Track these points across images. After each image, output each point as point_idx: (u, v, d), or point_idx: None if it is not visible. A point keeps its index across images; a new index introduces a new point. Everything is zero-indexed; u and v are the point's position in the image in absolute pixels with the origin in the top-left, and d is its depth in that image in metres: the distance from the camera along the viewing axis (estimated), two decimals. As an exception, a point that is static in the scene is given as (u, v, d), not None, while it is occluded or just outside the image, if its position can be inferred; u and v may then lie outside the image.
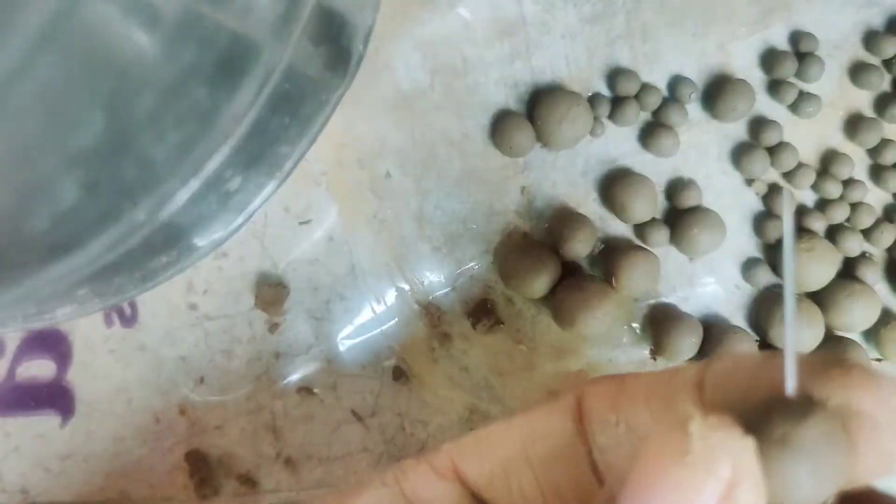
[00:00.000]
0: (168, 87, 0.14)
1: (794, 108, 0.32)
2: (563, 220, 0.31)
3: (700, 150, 0.32)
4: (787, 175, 0.32)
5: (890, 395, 0.14)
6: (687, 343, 0.30)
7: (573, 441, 0.18)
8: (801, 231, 0.31)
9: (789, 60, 0.31)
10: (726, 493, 0.12)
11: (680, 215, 0.31)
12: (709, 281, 0.32)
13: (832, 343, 0.30)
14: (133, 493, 0.31)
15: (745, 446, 0.12)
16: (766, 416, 0.13)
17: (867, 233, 0.32)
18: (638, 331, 0.32)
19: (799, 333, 0.30)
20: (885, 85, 0.32)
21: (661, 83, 0.32)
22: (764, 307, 0.31)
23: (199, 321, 0.31)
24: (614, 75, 0.32)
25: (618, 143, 0.32)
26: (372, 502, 0.19)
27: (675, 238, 0.31)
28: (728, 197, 0.32)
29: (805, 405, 0.13)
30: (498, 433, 0.19)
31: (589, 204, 0.32)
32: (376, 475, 0.19)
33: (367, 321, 0.31)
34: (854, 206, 0.31)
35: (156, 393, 0.31)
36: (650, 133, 0.31)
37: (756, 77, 0.32)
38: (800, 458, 0.12)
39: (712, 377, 0.16)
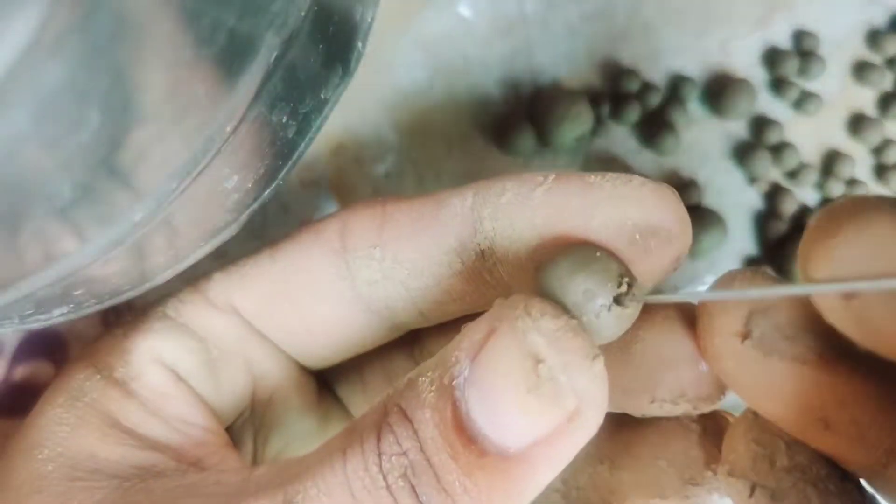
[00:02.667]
0: (165, 85, 0.14)
1: (796, 106, 0.32)
2: (563, 219, 0.31)
3: (701, 149, 0.32)
4: (789, 174, 0.32)
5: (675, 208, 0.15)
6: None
7: (335, 276, 0.18)
8: (804, 230, 0.31)
9: (791, 59, 0.31)
10: (569, 418, 0.13)
11: (681, 215, 0.31)
12: (710, 280, 0.32)
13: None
14: (131, 494, 0.31)
15: (594, 377, 0.13)
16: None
17: (870, 232, 0.31)
18: (639, 331, 0.32)
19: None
20: (888, 84, 0.32)
21: (662, 82, 0.32)
22: (766, 307, 0.31)
23: (198, 322, 0.31)
24: (615, 74, 0.31)
25: (619, 142, 0.32)
26: (159, 338, 0.18)
27: (677, 238, 0.31)
28: (729, 196, 0.32)
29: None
30: (261, 267, 0.19)
31: (590, 203, 0.32)
32: (158, 306, 0.19)
33: (366, 322, 0.31)
34: (856, 206, 0.31)
35: (154, 394, 0.31)
36: (651, 132, 0.31)
37: (758, 76, 0.32)
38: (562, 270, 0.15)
39: (484, 213, 0.16)
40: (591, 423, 0.13)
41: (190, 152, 0.15)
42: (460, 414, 0.13)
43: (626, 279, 0.15)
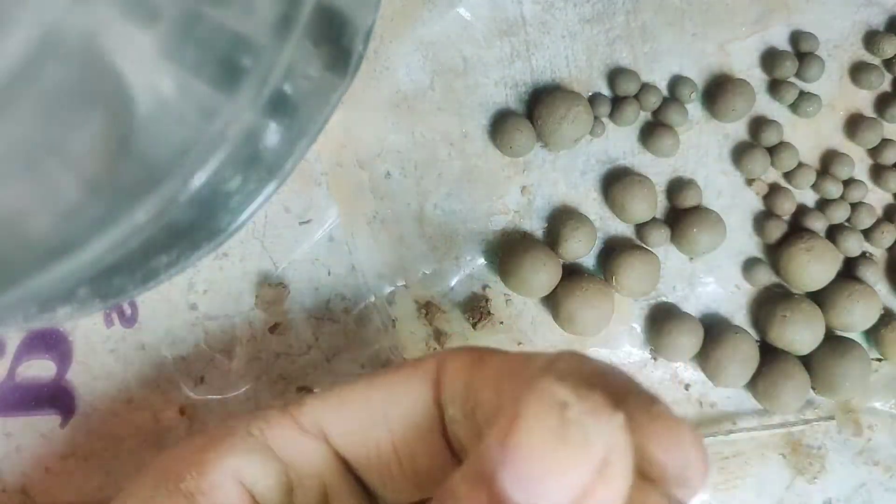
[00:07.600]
0: (168, 88, 0.14)
1: (794, 107, 0.32)
2: (563, 220, 0.31)
3: (700, 149, 0.32)
4: (788, 175, 0.32)
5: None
6: (687, 343, 0.30)
7: (429, 409, 0.18)
8: (802, 231, 0.31)
9: (789, 60, 0.31)
10: (600, 469, 0.13)
11: (680, 215, 0.31)
12: (709, 281, 0.32)
13: (833, 343, 0.30)
14: (133, 492, 0.31)
15: (617, 426, 0.13)
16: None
17: (867, 233, 0.32)
18: (638, 331, 0.32)
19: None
20: (886, 85, 0.32)
21: (661, 83, 0.32)
22: (764, 307, 0.31)
23: (200, 321, 0.31)
24: (614, 75, 0.32)
25: (618, 142, 0.32)
26: (241, 457, 0.18)
27: (675, 238, 0.31)
28: (728, 197, 0.32)
29: None
30: (359, 393, 0.19)
31: (589, 204, 0.32)
32: (243, 421, 0.19)
33: (366, 321, 0.31)
34: (854, 206, 0.31)
35: (156, 392, 0.31)
36: (650, 133, 0.31)
37: (756, 77, 0.32)
38: None
39: (559, 373, 0.16)
40: (619, 477, 0.13)
41: (193, 154, 0.15)
42: (497, 497, 0.13)
43: None
